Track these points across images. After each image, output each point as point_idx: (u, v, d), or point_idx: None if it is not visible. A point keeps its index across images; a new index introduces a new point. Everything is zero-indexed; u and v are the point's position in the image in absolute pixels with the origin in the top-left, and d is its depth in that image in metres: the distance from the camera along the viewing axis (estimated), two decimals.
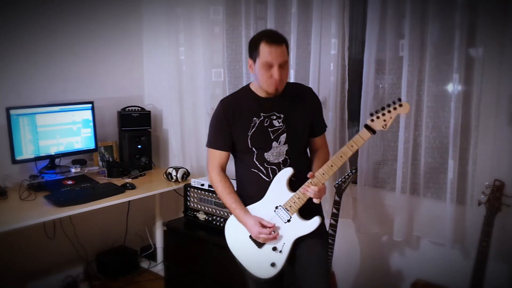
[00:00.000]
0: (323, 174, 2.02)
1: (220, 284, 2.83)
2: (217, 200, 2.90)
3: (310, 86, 2.74)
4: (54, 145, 3.15)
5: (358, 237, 2.86)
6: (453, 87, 2.35)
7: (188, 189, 3.07)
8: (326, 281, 2.13)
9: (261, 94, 2.13)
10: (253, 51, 2.04)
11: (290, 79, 2.87)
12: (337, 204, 2.62)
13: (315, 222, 2.07)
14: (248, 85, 2.21)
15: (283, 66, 2.02)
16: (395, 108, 1.92)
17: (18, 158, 2.97)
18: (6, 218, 2.49)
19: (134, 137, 3.45)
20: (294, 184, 2.10)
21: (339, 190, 2.60)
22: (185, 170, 3.24)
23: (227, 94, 3.25)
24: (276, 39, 2.00)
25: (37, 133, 3.05)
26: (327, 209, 2.73)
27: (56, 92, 3.24)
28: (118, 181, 3.11)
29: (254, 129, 2.12)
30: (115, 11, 3.55)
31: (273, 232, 2.08)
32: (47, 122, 3.10)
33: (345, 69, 2.73)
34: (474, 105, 2.30)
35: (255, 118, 2.12)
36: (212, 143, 2.22)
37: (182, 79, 3.47)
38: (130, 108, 3.54)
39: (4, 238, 2.74)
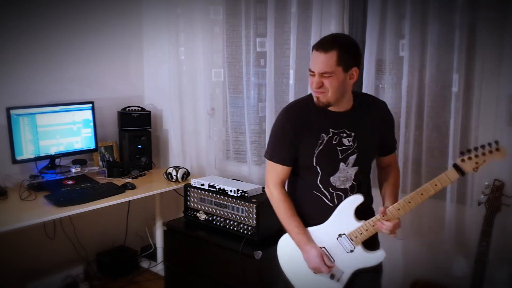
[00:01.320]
0: (399, 209, 1.87)
1: (220, 284, 2.83)
2: (217, 200, 2.90)
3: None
4: (54, 145, 3.15)
5: None
6: (453, 87, 2.35)
7: (188, 189, 3.07)
8: None
9: (331, 107, 1.91)
10: None
11: (290, 79, 2.88)
12: None
13: (380, 256, 1.96)
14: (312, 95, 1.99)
15: (329, 77, 1.80)
16: (490, 152, 1.72)
17: (18, 158, 2.97)
18: (6, 218, 2.49)
19: (134, 137, 3.45)
20: (358, 211, 1.94)
21: None
22: (185, 170, 3.25)
23: (227, 94, 3.26)
24: (323, 45, 1.78)
25: (37, 133, 3.05)
26: None
27: (56, 92, 3.24)
28: (118, 181, 3.11)
29: (321, 147, 1.92)
30: (115, 11, 3.55)
31: (331, 264, 1.94)
32: (47, 122, 3.10)
33: None
34: (474, 105, 2.31)
35: (323, 134, 1.91)
36: (274, 156, 1.99)
37: (182, 79, 3.47)
38: (130, 108, 3.54)
39: (4, 238, 2.74)
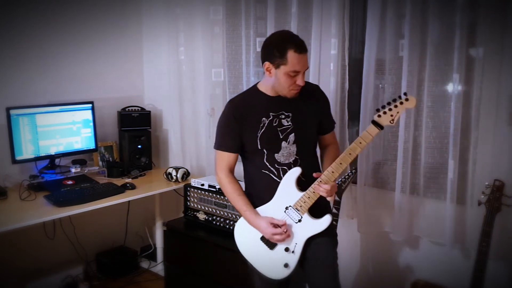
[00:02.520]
0: (333, 172, 2.00)
1: (220, 284, 2.83)
2: (217, 200, 2.90)
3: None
4: (54, 145, 3.15)
5: (358, 237, 2.86)
6: (453, 87, 2.35)
7: (188, 189, 3.07)
8: (336, 281, 2.12)
9: (271, 93, 2.10)
10: (276, 57, 1.96)
11: None
12: (337, 204, 2.62)
13: (326, 220, 2.06)
14: (255, 86, 2.17)
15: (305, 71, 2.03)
16: (401, 103, 1.90)
17: (18, 158, 2.97)
18: (6, 218, 2.49)
19: (134, 137, 3.45)
20: (303, 183, 2.08)
21: (339, 190, 2.60)
22: (185, 170, 3.24)
23: (227, 94, 3.26)
24: (303, 47, 1.96)
25: (37, 133, 3.05)
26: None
27: (56, 92, 3.24)
28: (118, 181, 3.11)
29: (263, 130, 2.09)
30: (115, 11, 3.55)
31: (285, 231, 2.05)
32: (47, 122, 3.09)
33: (345, 69, 2.73)
34: (474, 105, 2.30)
35: (264, 118, 2.09)
36: (221, 144, 2.17)
37: (182, 79, 3.47)
38: (130, 108, 3.54)
39: (4, 238, 2.74)
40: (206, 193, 2.96)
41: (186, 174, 3.24)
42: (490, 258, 2.17)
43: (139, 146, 3.46)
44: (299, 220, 2.07)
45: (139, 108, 3.58)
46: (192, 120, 3.48)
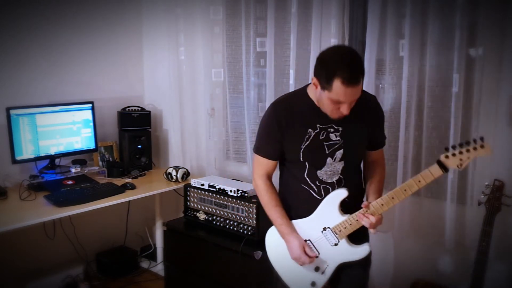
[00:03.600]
0: (382, 205, 1.87)
1: (220, 284, 2.83)
2: (217, 200, 2.90)
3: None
4: (54, 145, 3.15)
5: None
6: (453, 87, 2.35)
7: (188, 189, 3.07)
8: None
9: (317, 103, 1.92)
10: (323, 79, 1.75)
11: (290, 79, 2.88)
12: None
13: (364, 251, 1.97)
14: (305, 89, 1.98)
15: (355, 100, 1.82)
16: (475, 149, 1.70)
17: (18, 158, 2.97)
18: (6, 218, 2.49)
19: (134, 137, 3.45)
20: (346, 205, 1.95)
21: None
22: (185, 170, 3.24)
23: (227, 94, 3.26)
24: (354, 79, 1.71)
25: (37, 133, 3.05)
26: None
27: (56, 92, 3.24)
28: (118, 181, 3.11)
29: (308, 142, 1.93)
30: (115, 11, 3.55)
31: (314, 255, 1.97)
32: (47, 122, 3.10)
33: None
34: (474, 105, 2.31)
35: (310, 130, 1.92)
36: (260, 149, 2.04)
37: (182, 79, 3.47)
38: (130, 108, 3.54)
39: (4, 238, 2.74)
40: (206, 193, 2.96)
41: (186, 174, 3.24)
42: (490, 258, 2.17)
43: (139, 146, 3.46)
44: (336, 244, 1.97)
45: (139, 108, 3.58)
46: (192, 120, 3.48)
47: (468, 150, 1.71)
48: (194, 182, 3.05)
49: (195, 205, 3.04)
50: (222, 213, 2.89)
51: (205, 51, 3.28)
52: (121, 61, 3.65)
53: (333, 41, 2.70)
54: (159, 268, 3.63)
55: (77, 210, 2.65)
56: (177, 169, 3.22)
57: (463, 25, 2.27)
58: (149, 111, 3.59)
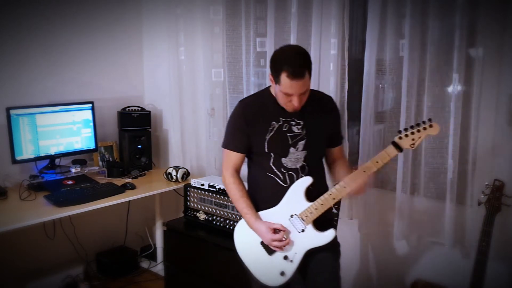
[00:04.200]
0: (345, 187, 1.99)
1: (220, 284, 2.83)
2: (217, 200, 2.90)
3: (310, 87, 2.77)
4: (54, 145, 3.15)
5: (358, 237, 2.86)
6: (453, 87, 2.35)
7: (188, 189, 3.07)
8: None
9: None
10: (274, 74, 1.97)
11: None
12: (337, 204, 2.61)
13: (330, 235, 2.05)
14: (268, 89, 2.16)
15: (304, 93, 1.98)
16: (425, 128, 1.88)
17: (18, 158, 2.97)
18: (6, 218, 2.49)
19: (134, 137, 3.45)
20: (311, 193, 2.06)
21: None
22: (185, 170, 3.24)
23: (227, 94, 3.26)
24: (298, 73, 1.89)
25: (37, 133, 3.05)
26: None
27: (56, 92, 3.24)
28: (118, 181, 3.11)
29: (272, 133, 2.08)
30: (115, 11, 3.55)
31: (284, 238, 2.04)
32: (47, 122, 3.10)
33: (345, 69, 2.73)
34: (474, 105, 2.31)
35: (273, 122, 2.08)
36: (229, 144, 2.17)
37: (182, 79, 3.47)
38: (130, 108, 3.54)
39: (4, 238, 2.74)
40: (206, 193, 2.96)
41: (186, 174, 3.24)
42: (490, 258, 2.17)
43: (139, 146, 3.47)
44: (303, 230, 2.06)
45: (139, 108, 3.58)
46: (192, 120, 3.48)
47: (418, 131, 1.89)
48: (194, 182, 3.05)
49: (195, 205, 3.04)
50: (222, 213, 2.89)
51: (205, 51, 3.29)
52: (121, 61, 3.65)
53: (333, 41, 2.70)
54: (159, 268, 3.63)
55: (77, 210, 2.65)
56: (177, 169, 3.22)
57: (463, 25, 2.27)
58: (149, 111, 3.59)
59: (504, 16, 2.15)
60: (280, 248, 2.04)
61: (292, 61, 1.92)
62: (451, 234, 2.42)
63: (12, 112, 2.93)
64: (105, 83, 3.56)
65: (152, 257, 3.76)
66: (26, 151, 3.01)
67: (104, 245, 3.65)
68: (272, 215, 2.10)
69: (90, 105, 3.32)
